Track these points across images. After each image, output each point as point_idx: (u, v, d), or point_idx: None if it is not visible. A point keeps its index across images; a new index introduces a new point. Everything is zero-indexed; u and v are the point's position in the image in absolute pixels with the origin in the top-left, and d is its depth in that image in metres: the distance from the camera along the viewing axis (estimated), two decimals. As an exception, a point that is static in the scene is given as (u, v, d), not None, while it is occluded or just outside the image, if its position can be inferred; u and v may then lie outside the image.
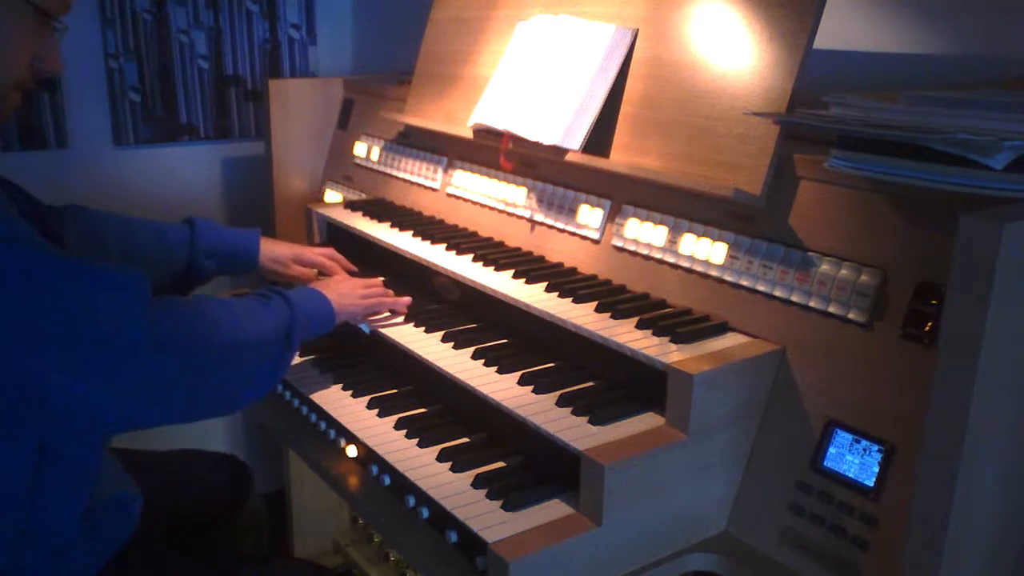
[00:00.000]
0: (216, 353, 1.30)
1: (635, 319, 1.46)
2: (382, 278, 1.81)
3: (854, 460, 1.24)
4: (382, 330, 1.68)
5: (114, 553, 1.42)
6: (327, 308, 1.57)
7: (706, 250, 1.48)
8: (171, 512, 1.68)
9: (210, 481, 1.82)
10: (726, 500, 1.37)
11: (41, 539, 1.29)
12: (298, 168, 2.62)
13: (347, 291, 1.64)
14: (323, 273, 1.89)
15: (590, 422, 1.33)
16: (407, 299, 1.74)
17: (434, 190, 2.14)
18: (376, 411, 1.58)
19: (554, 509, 1.28)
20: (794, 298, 1.35)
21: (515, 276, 1.67)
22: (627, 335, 1.41)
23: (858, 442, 1.25)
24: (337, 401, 1.64)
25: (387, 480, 1.43)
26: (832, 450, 1.27)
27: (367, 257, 2.06)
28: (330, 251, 1.93)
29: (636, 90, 1.63)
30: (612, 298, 1.54)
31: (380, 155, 2.35)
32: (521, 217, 1.87)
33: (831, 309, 1.30)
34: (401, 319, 1.71)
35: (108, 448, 1.47)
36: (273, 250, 1.86)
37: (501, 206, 1.92)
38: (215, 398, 1.34)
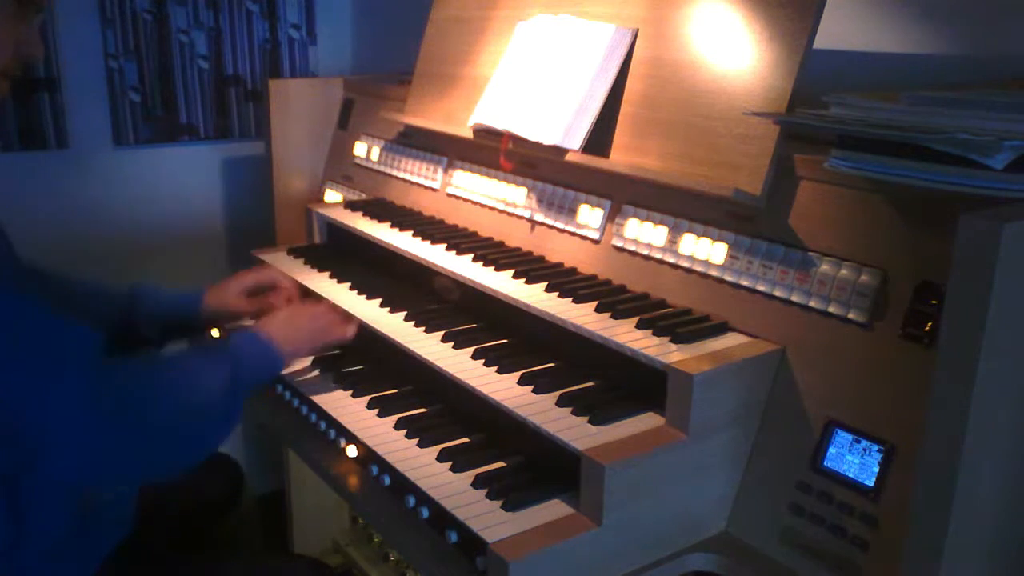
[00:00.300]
0: (161, 422, 1.29)
1: (635, 319, 1.46)
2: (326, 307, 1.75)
3: (854, 460, 1.24)
4: (382, 330, 1.68)
5: (110, 553, 1.42)
6: (272, 352, 1.53)
7: (706, 250, 1.48)
8: (166, 511, 1.68)
9: (203, 480, 1.82)
10: (726, 500, 1.37)
11: (34, 540, 1.29)
12: (298, 168, 2.62)
13: (292, 333, 1.58)
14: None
15: (590, 422, 1.33)
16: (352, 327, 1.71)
17: (434, 190, 2.14)
18: (376, 411, 1.58)
19: (554, 509, 1.28)
20: (794, 298, 1.35)
21: (515, 276, 1.67)
22: (627, 335, 1.41)
23: (858, 442, 1.25)
24: (337, 401, 1.64)
25: (387, 480, 1.43)
26: (832, 450, 1.27)
27: (367, 257, 2.06)
28: (264, 267, 1.94)
29: (636, 90, 1.63)
30: (612, 298, 1.54)
31: (380, 155, 2.35)
32: (521, 217, 1.87)
33: (831, 309, 1.30)
34: (356, 327, 1.70)
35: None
36: (217, 295, 1.81)
37: (501, 206, 1.92)
38: (164, 462, 1.33)
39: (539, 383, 1.44)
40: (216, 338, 1.48)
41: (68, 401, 1.18)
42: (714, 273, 1.47)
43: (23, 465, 1.19)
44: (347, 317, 1.70)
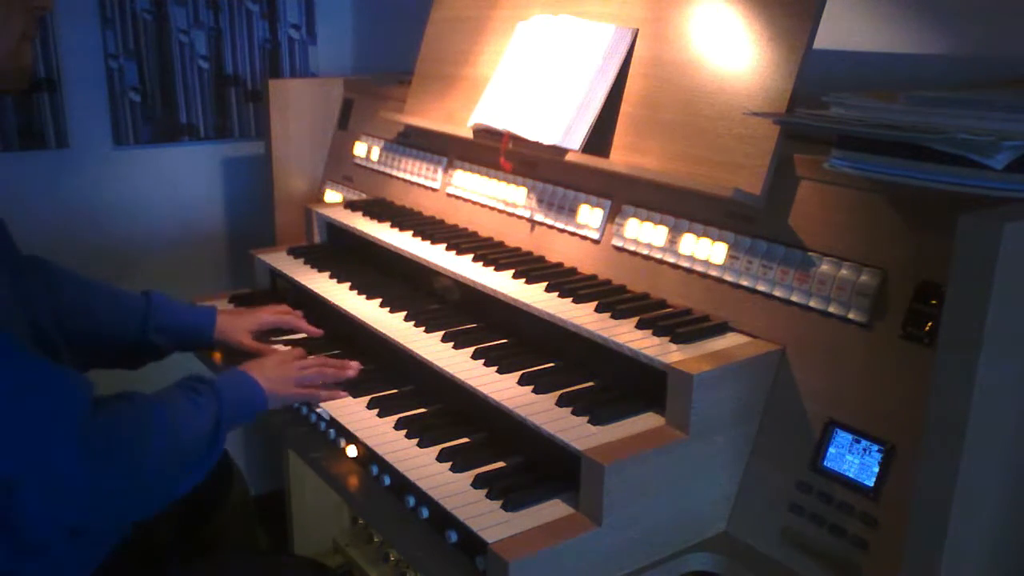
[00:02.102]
0: (149, 464, 1.31)
1: (635, 319, 1.46)
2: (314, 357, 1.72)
3: (854, 460, 1.24)
4: (382, 330, 1.68)
5: (108, 555, 1.42)
6: (257, 395, 1.53)
7: (706, 250, 1.48)
8: (162, 513, 1.67)
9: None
10: (726, 500, 1.37)
11: (31, 546, 1.29)
12: (298, 168, 2.62)
13: (281, 376, 1.59)
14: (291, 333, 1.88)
15: (590, 422, 1.33)
16: (353, 367, 1.67)
17: (434, 190, 2.14)
18: (376, 411, 1.58)
19: (554, 509, 1.28)
20: (794, 298, 1.35)
21: (515, 276, 1.67)
22: (627, 335, 1.41)
23: (858, 442, 1.25)
24: (337, 401, 1.64)
25: (387, 480, 1.43)
26: (832, 450, 1.27)
27: (367, 257, 2.06)
28: (284, 308, 1.91)
29: (636, 90, 1.63)
30: (612, 298, 1.54)
31: (380, 155, 2.35)
32: (521, 217, 1.87)
33: (831, 309, 1.30)
34: (345, 394, 1.64)
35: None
36: (231, 324, 1.81)
37: (501, 206, 1.92)
38: (141, 505, 1.35)
39: (539, 383, 1.44)
40: (202, 377, 1.49)
41: (54, 448, 1.19)
42: (714, 273, 1.47)
43: (8, 507, 1.20)
44: (342, 369, 1.66)
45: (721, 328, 1.42)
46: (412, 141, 2.25)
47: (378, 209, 2.15)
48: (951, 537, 1.05)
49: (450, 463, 1.40)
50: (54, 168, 2.55)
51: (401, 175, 2.25)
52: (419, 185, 2.19)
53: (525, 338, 1.62)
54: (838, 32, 1.71)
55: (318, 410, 1.60)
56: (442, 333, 1.64)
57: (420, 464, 1.41)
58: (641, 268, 1.60)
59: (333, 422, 1.59)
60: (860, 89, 1.33)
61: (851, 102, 1.23)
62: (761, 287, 1.40)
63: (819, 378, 1.31)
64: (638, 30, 1.65)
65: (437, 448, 1.44)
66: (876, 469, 1.22)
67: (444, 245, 1.86)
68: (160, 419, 1.34)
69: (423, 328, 1.67)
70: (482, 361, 1.53)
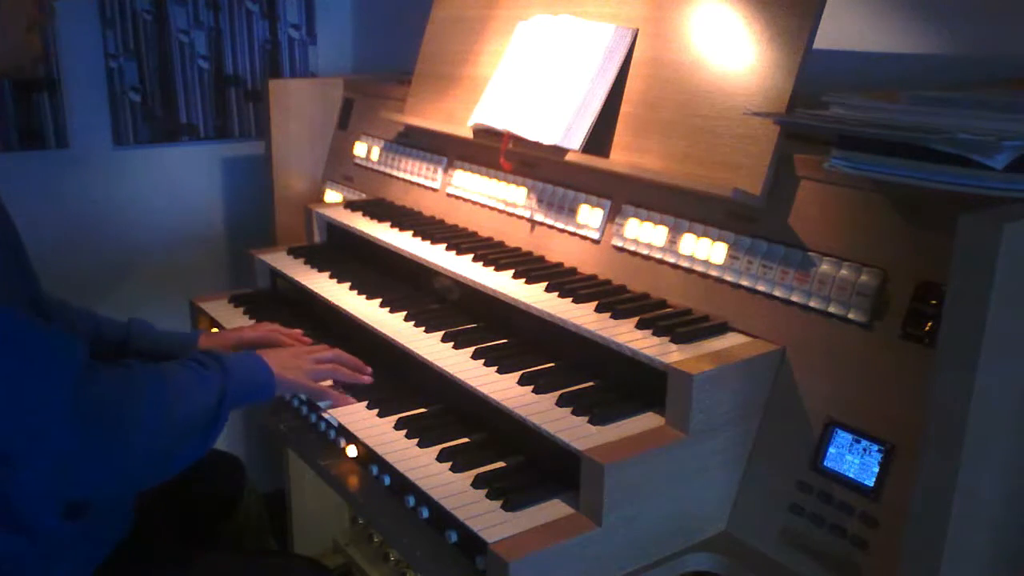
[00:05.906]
0: (141, 431, 1.28)
1: (635, 319, 1.46)
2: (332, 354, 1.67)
3: (854, 460, 1.24)
4: (382, 330, 1.68)
5: (111, 551, 1.42)
6: (265, 376, 1.52)
7: (706, 250, 1.48)
8: (167, 510, 1.67)
9: (205, 478, 1.82)
10: (726, 500, 1.37)
11: (33, 540, 1.29)
12: (298, 168, 2.62)
13: (293, 364, 1.57)
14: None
15: (590, 422, 1.33)
16: (368, 372, 1.66)
17: (434, 190, 2.14)
18: (376, 411, 1.58)
19: (554, 509, 1.28)
20: (794, 298, 1.35)
21: (515, 276, 1.67)
22: (627, 335, 1.41)
23: (858, 442, 1.25)
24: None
25: (387, 480, 1.43)
26: (832, 450, 1.27)
27: (367, 257, 2.06)
28: (270, 325, 1.86)
29: (636, 90, 1.63)
30: (612, 298, 1.54)
31: (380, 155, 2.35)
32: (521, 217, 1.87)
33: (831, 309, 1.30)
34: (355, 402, 1.60)
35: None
36: (211, 344, 1.77)
37: (501, 206, 1.92)
38: (139, 472, 1.32)
39: (539, 383, 1.44)
40: (213, 352, 1.47)
41: (46, 410, 1.18)
42: (714, 273, 1.47)
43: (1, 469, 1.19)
44: (358, 371, 1.65)
45: (721, 328, 1.42)
46: (412, 141, 2.25)
47: (378, 209, 2.15)
48: (951, 537, 1.05)
49: (450, 463, 1.40)
50: (54, 168, 2.55)
51: (401, 175, 2.25)
52: (419, 185, 2.19)
53: (525, 338, 1.62)
54: (838, 32, 1.71)
55: (326, 416, 1.58)
56: (442, 333, 1.64)
57: (420, 464, 1.41)
58: (641, 268, 1.60)
59: (333, 422, 1.58)
60: (860, 89, 1.33)
61: (851, 102, 1.23)
62: (761, 287, 1.40)
63: (819, 378, 1.31)
64: (638, 30, 1.65)
65: (437, 448, 1.44)
66: (876, 469, 1.22)
67: (444, 245, 1.86)
68: (156, 388, 1.32)
69: (423, 328, 1.67)
70: (482, 361, 1.53)
